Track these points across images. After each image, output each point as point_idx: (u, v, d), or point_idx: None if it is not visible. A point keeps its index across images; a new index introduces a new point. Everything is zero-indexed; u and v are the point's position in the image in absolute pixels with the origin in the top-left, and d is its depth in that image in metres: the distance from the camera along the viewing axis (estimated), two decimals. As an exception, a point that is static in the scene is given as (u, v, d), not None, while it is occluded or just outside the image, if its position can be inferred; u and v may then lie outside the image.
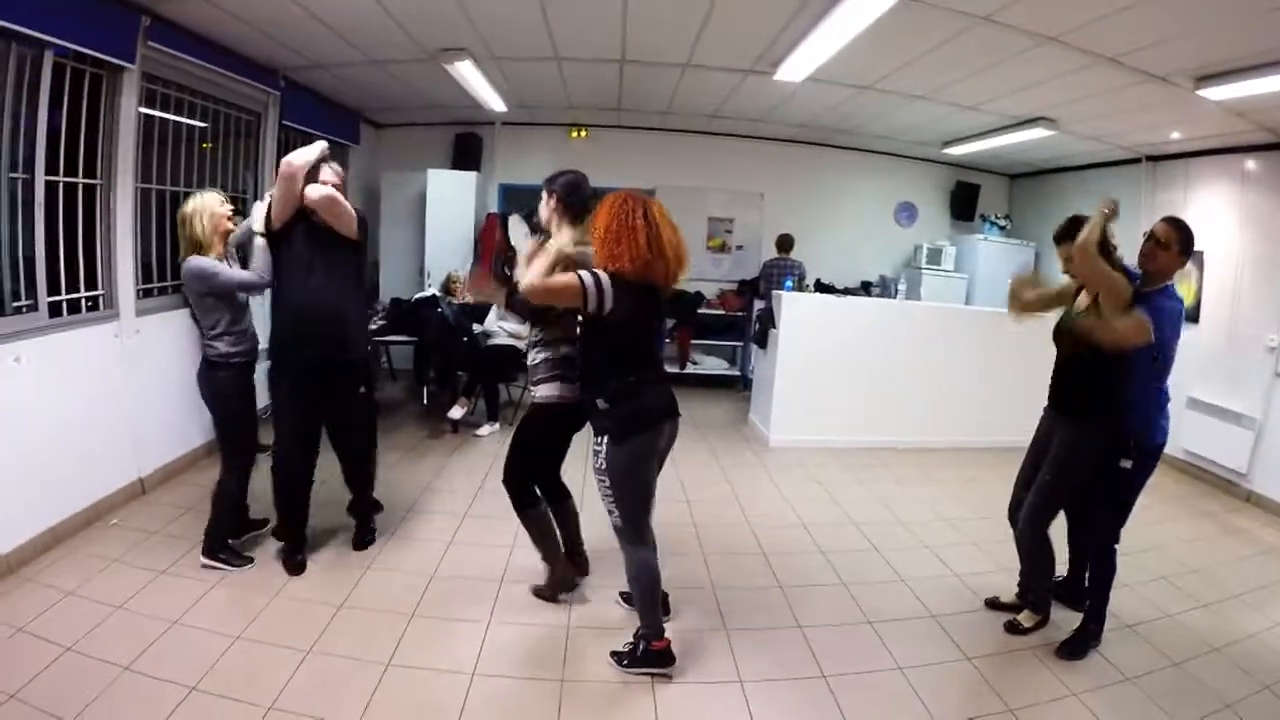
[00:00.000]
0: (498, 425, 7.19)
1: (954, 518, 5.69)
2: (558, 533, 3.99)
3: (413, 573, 4.28)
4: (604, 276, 3.09)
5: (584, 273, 3.10)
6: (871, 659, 3.69)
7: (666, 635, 3.42)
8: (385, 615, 3.79)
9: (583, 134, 9.95)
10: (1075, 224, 3.87)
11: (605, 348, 3.22)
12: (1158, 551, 5.10)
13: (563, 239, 3.43)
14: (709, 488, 6.05)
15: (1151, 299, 3.54)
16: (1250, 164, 7.18)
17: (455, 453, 6.56)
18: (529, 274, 3.14)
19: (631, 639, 3.43)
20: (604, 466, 3.23)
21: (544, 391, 3.70)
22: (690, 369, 9.88)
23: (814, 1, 4.76)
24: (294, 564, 4.19)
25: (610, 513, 3.31)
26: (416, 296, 7.87)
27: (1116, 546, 3.85)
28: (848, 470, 6.74)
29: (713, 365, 10.05)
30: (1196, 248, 3.74)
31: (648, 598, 3.36)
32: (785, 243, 9.61)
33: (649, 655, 3.36)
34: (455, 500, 5.44)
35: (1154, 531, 5.16)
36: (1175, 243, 3.60)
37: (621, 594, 3.95)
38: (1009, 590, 4.30)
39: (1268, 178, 7.02)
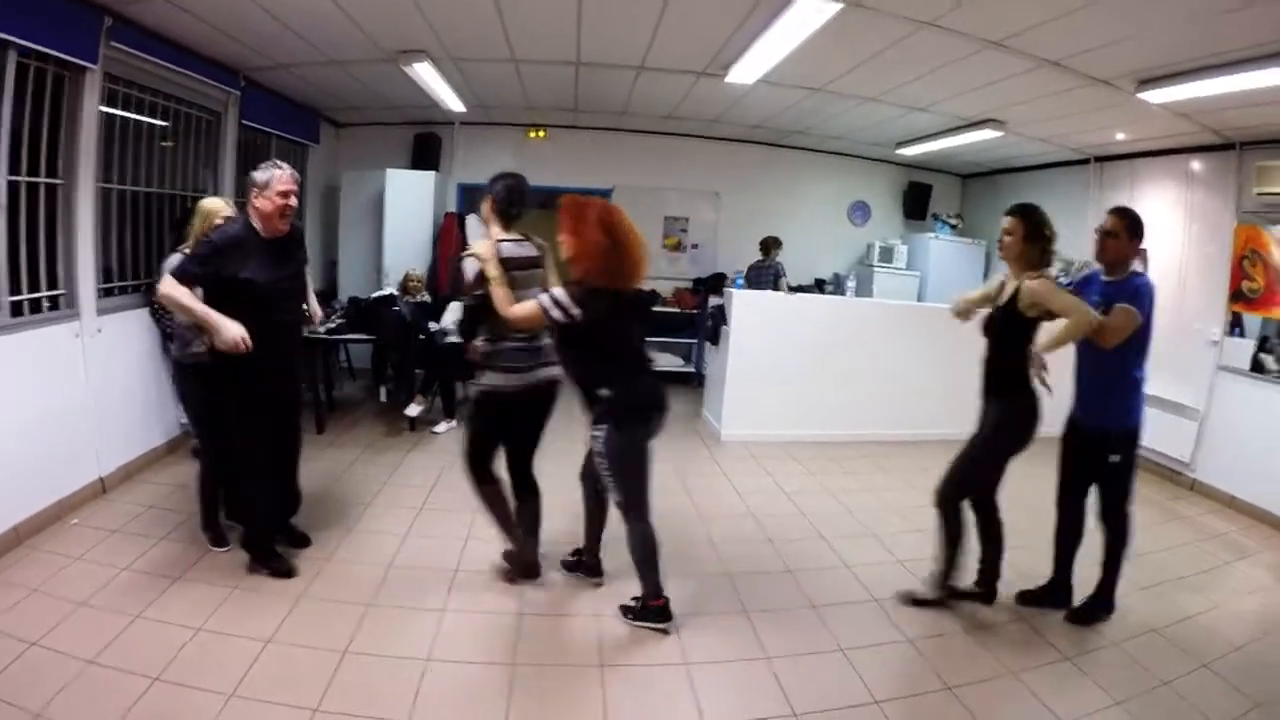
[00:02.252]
0: (455, 422, 7.24)
1: (901, 507, 5.85)
2: (513, 513, 4.14)
3: (370, 564, 4.38)
4: (561, 292, 3.32)
5: (543, 296, 3.36)
6: (814, 640, 3.83)
7: (665, 595, 3.75)
8: (342, 605, 3.87)
9: (541, 134, 10.05)
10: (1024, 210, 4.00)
11: (592, 347, 3.47)
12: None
13: (488, 242, 3.74)
14: (662, 480, 5.85)
15: (1125, 285, 3.82)
16: (1195, 164, 7.44)
17: (413, 450, 6.62)
18: (499, 305, 3.49)
19: (636, 597, 3.79)
20: (604, 450, 3.50)
21: (482, 380, 3.89)
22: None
23: (763, 6, 4.87)
24: (285, 569, 4.16)
25: (612, 491, 3.65)
26: (374, 295, 7.87)
27: (1129, 513, 4.10)
28: (797, 463, 6.89)
29: (668, 362, 10.07)
30: (1141, 245, 3.95)
31: (647, 563, 3.68)
32: (767, 245, 9.66)
33: (648, 611, 3.73)
34: (413, 495, 5.52)
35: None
36: (1123, 230, 3.88)
37: (621, 607, 3.97)
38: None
39: (1212, 177, 7.27)
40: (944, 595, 4.24)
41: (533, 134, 10.05)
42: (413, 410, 7.05)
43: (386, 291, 7.91)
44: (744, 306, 7.53)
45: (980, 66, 5.71)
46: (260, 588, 4.00)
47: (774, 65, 6.08)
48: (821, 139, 9.98)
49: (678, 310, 10.28)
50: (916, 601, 4.27)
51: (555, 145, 10.06)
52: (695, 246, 10.77)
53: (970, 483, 4.10)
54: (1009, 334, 3.90)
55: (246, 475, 4.05)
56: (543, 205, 5.91)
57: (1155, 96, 5.71)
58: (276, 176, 3.71)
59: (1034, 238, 3.87)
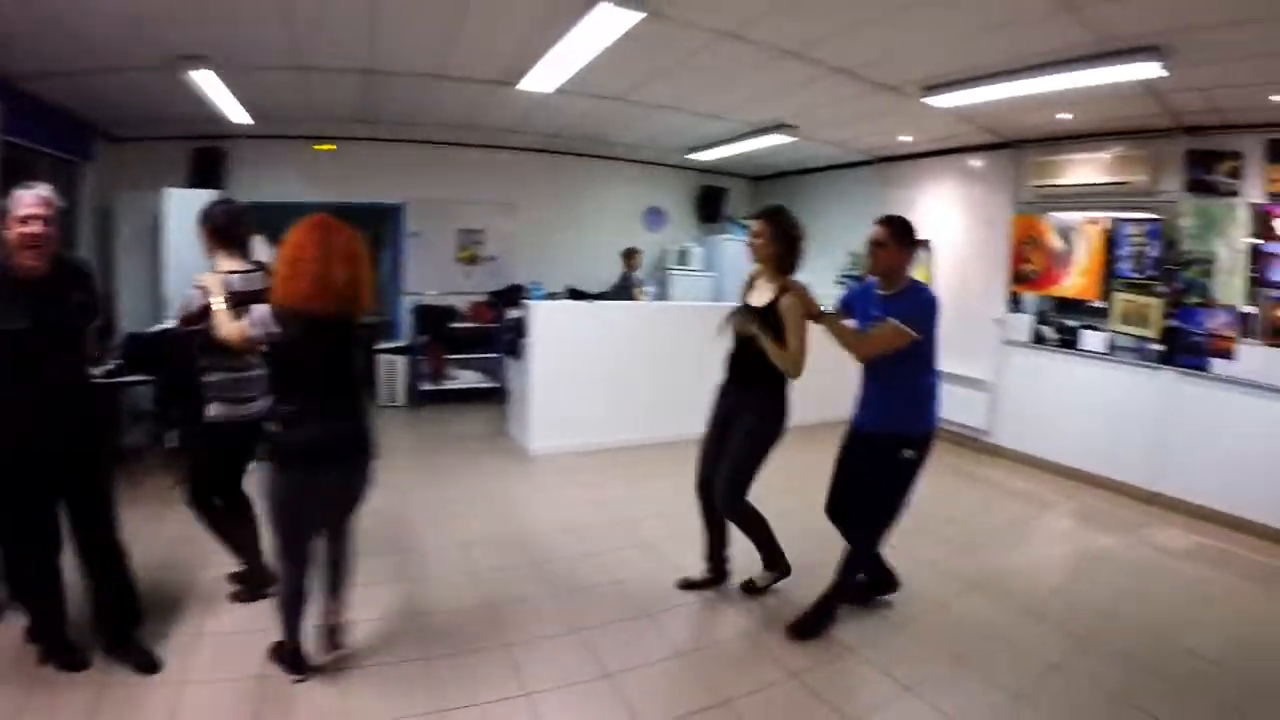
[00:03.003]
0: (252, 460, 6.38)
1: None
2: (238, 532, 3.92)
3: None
4: (263, 309, 3.02)
5: (251, 312, 3.06)
6: (653, 649, 3.73)
7: (300, 641, 3.33)
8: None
9: (329, 147, 9.43)
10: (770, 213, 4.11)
11: (273, 374, 3.18)
12: (915, 507, 5.45)
13: (216, 276, 3.47)
14: (473, 503, 5.86)
15: (904, 300, 3.71)
16: (974, 162, 8.24)
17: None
18: (219, 326, 3.23)
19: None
20: (264, 488, 3.14)
21: (208, 411, 3.67)
22: (448, 385, 9.65)
23: (560, 15, 4.79)
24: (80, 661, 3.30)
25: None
26: (155, 329, 6.93)
27: (880, 540, 3.98)
28: (610, 471, 6.78)
29: (470, 379, 9.78)
30: (925, 237, 3.99)
31: (286, 608, 3.26)
32: (629, 255, 9.73)
33: (282, 655, 3.34)
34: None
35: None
36: (890, 238, 3.73)
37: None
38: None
39: (989, 173, 8.08)
40: (780, 573, 4.31)
41: (319, 147, 9.40)
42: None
43: (168, 325, 7.04)
44: (543, 317, 7.33)
45: (774, 75, 5.92)
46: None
47: (573, 74, 6.03)
48: (617, 147, 10.07)
49: (475, 325, 9.89)
50: (757, 589, 4.34)
51: (345, 158, 9.47)
52: (493, 259, 10.46)
53: (747, 481, 4.08)
54: (765, 331, 3.88)
55: (11, 554, 3.26)
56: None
57: (939, 102, 6.16)
58: (17, 199, 2.93)
59: (781, 239, 3.95)
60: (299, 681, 3.24)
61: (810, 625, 3.91)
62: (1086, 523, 6.07)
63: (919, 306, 3.67)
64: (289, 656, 3.32)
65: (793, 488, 4.79)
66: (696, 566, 4.50)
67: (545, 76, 6.19)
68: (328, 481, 3.17)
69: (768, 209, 4.11)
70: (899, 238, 3.74)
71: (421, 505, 5.61)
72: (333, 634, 3.45)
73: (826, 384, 4.68)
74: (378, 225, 10.28)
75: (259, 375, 3.49)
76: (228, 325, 3.17)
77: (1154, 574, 5.08)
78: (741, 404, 4.11)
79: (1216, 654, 3.95)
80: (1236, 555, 5.48)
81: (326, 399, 3.15)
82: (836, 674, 3.57)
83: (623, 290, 9.30)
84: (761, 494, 4.13)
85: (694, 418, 7.57)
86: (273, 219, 3.97)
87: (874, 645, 3.82)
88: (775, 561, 4.29)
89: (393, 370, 9.13)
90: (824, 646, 3.79)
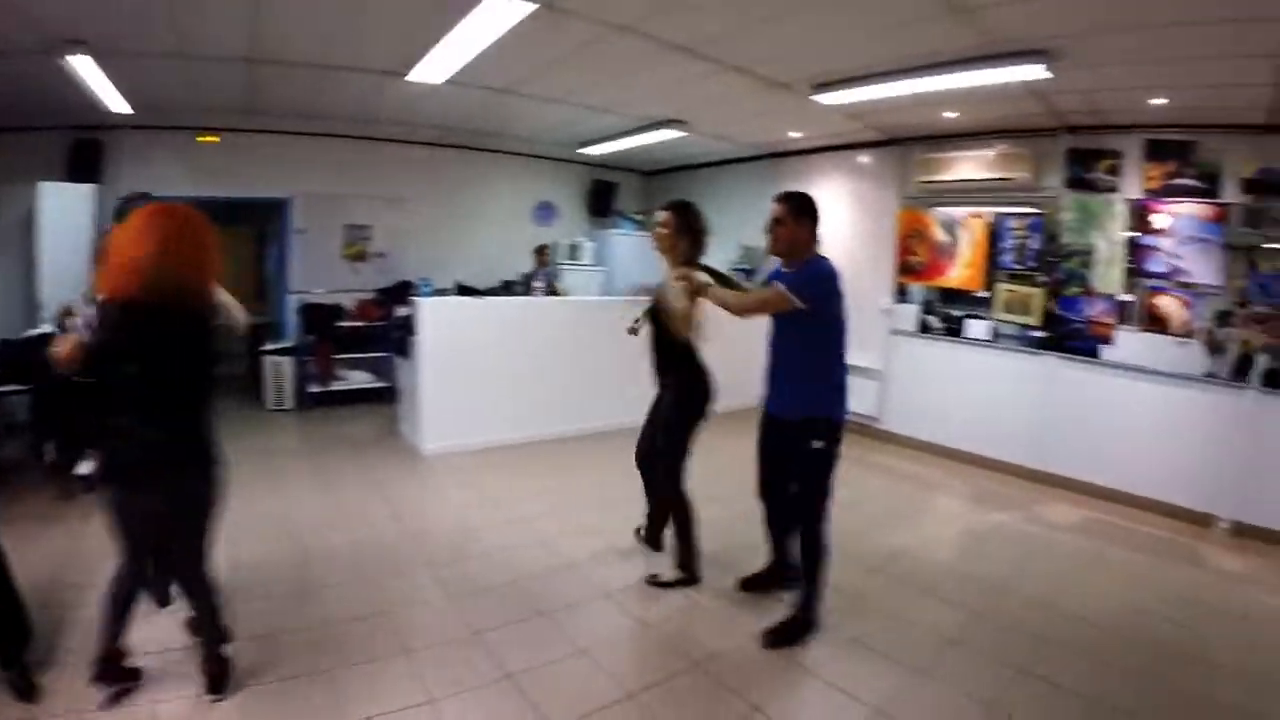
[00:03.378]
0: None
1: (611, 498, 5.73)
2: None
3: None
4: (90, 311, 2.81)
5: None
6: (553, 648, 3.64)
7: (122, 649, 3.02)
8: None
9: (213, 139, 8.84)
10: (676, 206, 4.16)
11: (96, 383, 2.80)
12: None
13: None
14: (365, 506, 5.59)
15: (802, 271, 3.65)
16: (862, 158, 8.46)
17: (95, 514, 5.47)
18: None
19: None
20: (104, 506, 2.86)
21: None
22: (337, 386, 9.22)
23: (450, 4, 4.66)
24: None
25: None
26: (29, 334, 6.59)
27: (823, 529, 3.77)
28: (504, 468, 6.59)
29: (360, 379, 9.38)
30: (816, 225, 3.73)
31: (109, 615, 2.92)
32: (541, 252, 9.68)
33: (103, 670, 2.95)
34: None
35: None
36: (786, 214, 3.68)
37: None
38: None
39: (877, 169, 8.32)
40: (688, 576, 4.30)
41: (202, 138, 8.82)
42: (86, 468, 5.62)
43: (44, 329, 6.58)
44: (432, 314, 7.03)
45: (667, 70, 5.89)
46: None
47: (464, 65, 5.89)
48: (508, 140, 9.93)
49: (363, 324, 9.46)
50: (661, 583, 4.30)
51: (230, 150, 8.90)
52: (381, 255, 10.05)
53: (677, 460, 4.18)
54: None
55: None
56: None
57: (829, 99, 6.26)
58: None
59: (685, 231, 4.06)
60: (120, 694, 2.98)
61: (789, 633, 3.77)
62: (977, 503, 6.29)
63: (808, 275, 3.63)
64: (105, 670, 2.95)
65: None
66: (590, 561, 4.55)
67: (435, 67, 6.04)
68: (149, 503, 2.82)
69: (674, 202, 4.17)
70: (795, 213, 3.68)
71: (311, 511, 5.35)
72: (214, 679, 3.05)
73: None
74: (264, 221, 9.86)
75: None
76: (61, 344, 2.66)
77: (1044, 548, 5.31)
78: (664, 387, 4.33)
79: (1107, 619, 4.18)
80: (1119, 526, 5.81)
81: (152, 409, 2.78)
82: (739, 662, 3.55)
83: (535, 286, 9.17)
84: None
85: (588, 411, 7.78)
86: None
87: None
88: (688, 563, 4.31)
89: (280, 372, 8.70)
90: (724, 635, 3.78)
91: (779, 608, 3.98)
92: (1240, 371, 5.72)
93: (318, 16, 5.11)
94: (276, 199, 9.39)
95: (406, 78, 6.35)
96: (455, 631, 3.75)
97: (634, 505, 4.83)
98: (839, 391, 3.77)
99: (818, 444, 3.65)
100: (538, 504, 5.66)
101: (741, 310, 3.85)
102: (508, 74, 6.42)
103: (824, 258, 3.72)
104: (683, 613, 4.02)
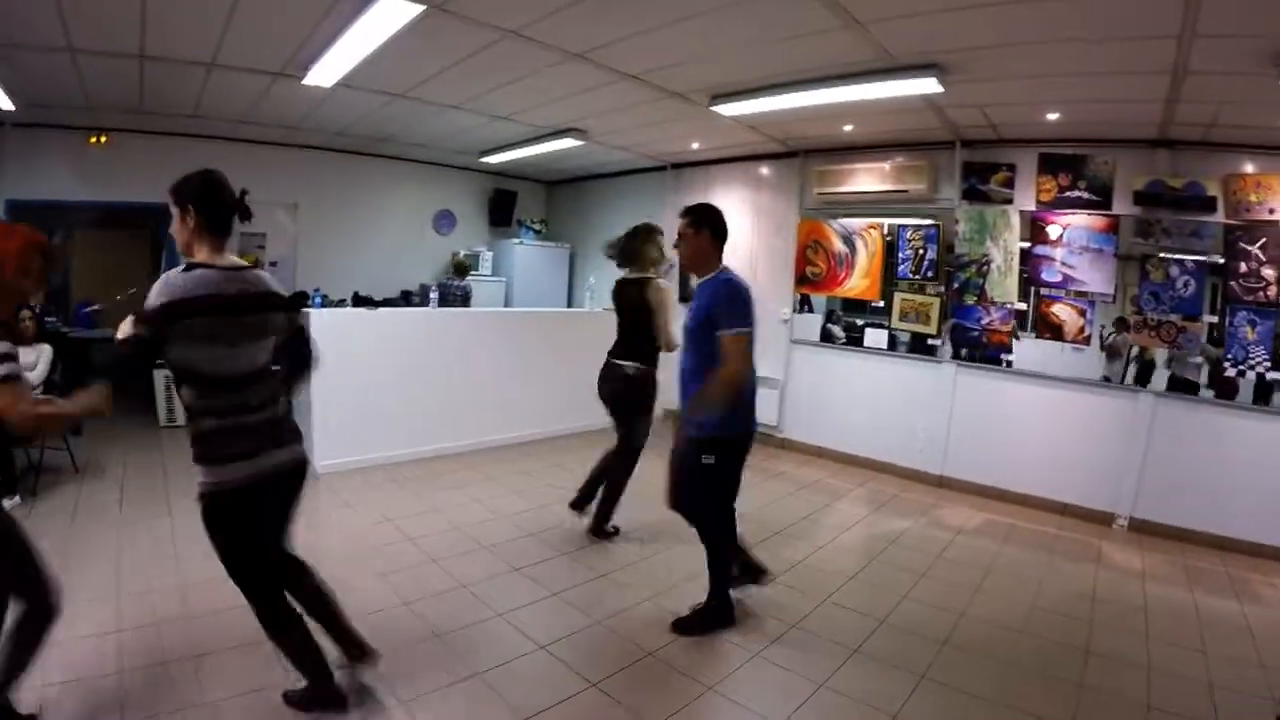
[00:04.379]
0: (18, 498, 5.40)
1: (509, 512, 5.63)
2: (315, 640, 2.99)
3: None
4: None
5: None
6: (454, 670, 3.44)
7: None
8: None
9: (103, 140, 8.36)
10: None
11: None
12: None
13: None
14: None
15: (700, 291, 3.78)
16: (764, 170, 8.48)
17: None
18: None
19: None
20: None
21: (198, 480, 2.64)
22: None
23: (342, 5, 4.52)
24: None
25: None
26: None
27: (718, 533, 3.92)
28: (402, 485, 6.25)
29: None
30: (718, 235, 3.78)
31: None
32: (461, 266, 9.59)
33: None
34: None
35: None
36: (687, 227, 3.78)
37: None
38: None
39: (777, 180, 8.35)
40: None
41: (94, 140, 8.35)
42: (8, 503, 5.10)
43: None
44: (324, 326, 6.36)
45: (563, 77, 5.79)
46: None
47: (354, 67, 5.69)
48: (406, 147, 9.64)
49: None
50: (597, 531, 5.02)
51: (121, 152, 8.42)
52: (274, 264, 9.56)
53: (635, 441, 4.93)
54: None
55: None
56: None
57: (727, 110, 6.21)
58: None
59: (708, 226, 3.81)
60: None
61: (693, 624, 3.89)
62: (879, 509, 6.32)
63: (710, 296, 3.70)
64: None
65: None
66: (483, 583, 4.39)
67: (327, 70, 5.81)
68: None
69: (685, 208, 3.92)
70: (696, 225, 3.75)
71: (197, 536, 4.85)
72: None
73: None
74: (155, 226, 9.33)
75: (262, 418, 2.69)
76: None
77: (946, 552, 5.34)
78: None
79: (1011, 620, 4.25)
80: (1021, 528, 5.94)
81: None
82: (641, 681, 3.44)
83: (455, 298, 9.12)
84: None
85: (485, 424, 7.56)
86: (45, 220, 3.22)
87: (679, 647, 3.75)
88: (600, 526, 5.07)
89: (172, 386, 8.24)
90: (626, 655, 3.65)
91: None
92: (1136, 376, 5.98)
93: (207, 12, 4.84)
94: (160, 205, 8.80)
95: (300, 80, 6.10)
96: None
97: (531, 524, 4.64)
98: (740, 404, 3.78)
99: (707, 459, 3.72)
100: (435, 521, 5.41)
101: (731, 375, 3.66)
102: (401, 78, 6.23)
103: (726, 272, 3.79)
104: (572, 633, 3.87)
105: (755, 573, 4.37)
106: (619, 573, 4.61)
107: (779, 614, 4.14)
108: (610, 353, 5.00)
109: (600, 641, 3.79)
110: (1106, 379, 6.12)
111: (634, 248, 4.93)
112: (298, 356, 3.03)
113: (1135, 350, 5.99)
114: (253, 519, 2.73)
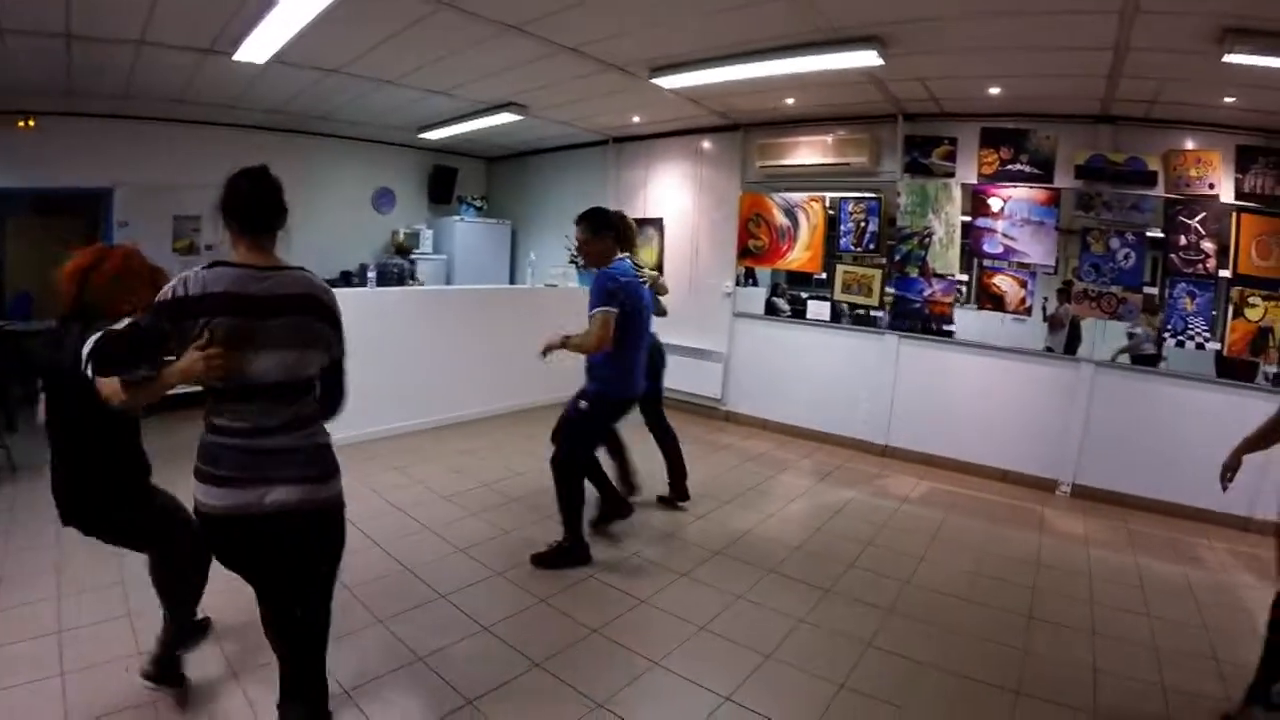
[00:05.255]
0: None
1: (454, 491, 5.55)
2: None
3: None
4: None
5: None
6: (450, 630, 3.55)
7: None
8: None
9: (30, 123, 7.90)
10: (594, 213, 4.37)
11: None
12: (655, 478, 5.52)
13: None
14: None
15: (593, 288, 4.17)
16: (705, 143, 8.40)
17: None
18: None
19: None
20: None
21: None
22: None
23: None
24: None
25: None
26: None
27: (572, 469, 4.37)
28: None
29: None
30: (657, 215, 4.14)
31: None
32: (402, 247, 9.50)
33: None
34: None
35: (653, 465, 5.51)
36: (581, 234, 4.32)
37: None
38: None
39: (719, 153, 8.30)
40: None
41: (21, 124, 7.89)
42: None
43: None
44: None
45: (500, 50, 5.67)
46: None
47: (287, 42, 5.49)
48: (344, 124, 9.40)
49: None
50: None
51: (49, 136, 8.01)
52: (209, 248, 9.07)
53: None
54: None
55: None
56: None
57: (667, 82, 6.14)
58: None
59: (599, 229, 4.29)
60: None
61: (549, 559, 4.33)
62: (825, 479, 6.35)
63: (592, 289, 4.14)
64: None
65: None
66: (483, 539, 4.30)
67: (257, 45, 5.60)
68: None
69: (579, 216, 4.40)
70: (590, 230, 4.28)
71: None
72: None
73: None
74: (94, 211, 8.97)
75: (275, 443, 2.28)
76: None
77: (891, 521, 5.38)
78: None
79: (956, 588, 4.30)
80: (966, 496, 6.04)
81: None
82: (581, 657, 3.40)
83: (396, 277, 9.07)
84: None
85: (423, 406, 7.40)
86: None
87: (620, 624, 3.71)
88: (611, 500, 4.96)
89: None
90: (568, 629, 3.63)
91: (621, 601, 3.95)
92: (1066, 346, 6.14)
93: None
94: (98, 189, 8.51)
95: (231, 57, 5.87)
96: (356, 621, 3.58)
97: (471, 502, 4.59)
98: (618, 372, 4.30)
99: (582, 404, 4.34)
100: (370, 503, 5.23)
101: (590, 348, 4.12)
102: (335, 53, 6.06)
103: (607, 269, 4.20)
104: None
105: (618, 506, 4.83)
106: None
107: (724, 588, 4.12)
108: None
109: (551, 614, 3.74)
110: (1049, 349, 6.24)
111: (629, 235, 4.98)
112: (330, 389, 2.57)
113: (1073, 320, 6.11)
114: (252, 564, 2.34)
